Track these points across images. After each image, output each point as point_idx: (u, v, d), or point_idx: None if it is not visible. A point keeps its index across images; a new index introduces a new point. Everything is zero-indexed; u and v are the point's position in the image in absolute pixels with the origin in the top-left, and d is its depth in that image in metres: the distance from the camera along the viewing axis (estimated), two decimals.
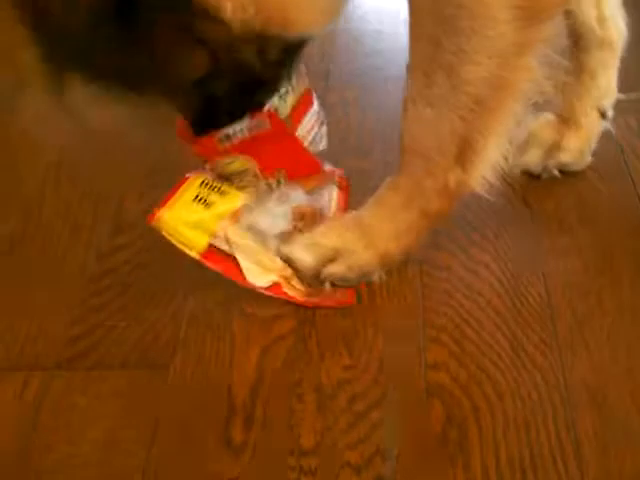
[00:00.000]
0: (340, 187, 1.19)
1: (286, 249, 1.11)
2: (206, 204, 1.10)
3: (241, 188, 1.13)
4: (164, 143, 1.20)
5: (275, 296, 1.12)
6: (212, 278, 1.13)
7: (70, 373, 1.06)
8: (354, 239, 1.12)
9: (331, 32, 1.67)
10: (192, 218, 1.10)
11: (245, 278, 1.11)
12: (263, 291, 1.11)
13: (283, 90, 1.13)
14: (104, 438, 0.98)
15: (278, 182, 1.16)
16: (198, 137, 1.11)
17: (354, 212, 1.15)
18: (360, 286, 1.14)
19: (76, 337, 1.10)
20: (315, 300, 1.12)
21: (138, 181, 1.33)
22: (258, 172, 1.14)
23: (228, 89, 1.04)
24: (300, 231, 1.13)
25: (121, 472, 0.95)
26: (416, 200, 1.10)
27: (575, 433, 0.96)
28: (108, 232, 1.25)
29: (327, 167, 1.20)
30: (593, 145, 1.31)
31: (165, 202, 1.11)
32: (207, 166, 1.15)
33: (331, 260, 1.12)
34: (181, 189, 1.12)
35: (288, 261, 1.11)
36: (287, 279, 1.11)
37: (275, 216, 1.14)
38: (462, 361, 1.04)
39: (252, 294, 1.12)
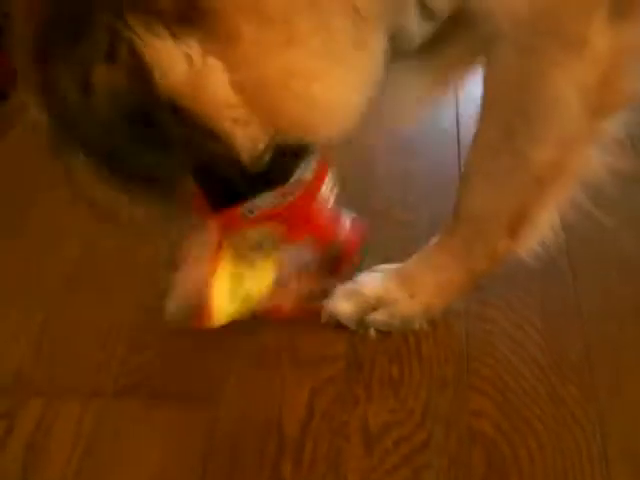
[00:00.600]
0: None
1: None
2: (238, 289, 1.09)
3: (267, 255, 1.10)
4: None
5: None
6: (264, 318, 1.18)
7: (126, 402, 1.09)
8: (397, 289, 1.16)
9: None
10: (230, 309, 1.09)
11: None
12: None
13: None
14: (156, 468, 1.01)
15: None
16: (219, 211, 1.04)
17: (398, 264, 1.19)
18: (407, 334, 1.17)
19: (133, 368, 1.13)
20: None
21: None
22: (283, 236, 1.09)
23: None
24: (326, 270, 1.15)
25: None
26: (464, 261, 1.13)
27: None
28: (167, 268, 1.26)
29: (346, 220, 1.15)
30: None
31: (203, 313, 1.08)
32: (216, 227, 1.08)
33: (373, 308, 1.16)
34: (214, 280, 1.08)
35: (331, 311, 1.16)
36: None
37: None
38: (504, 410, 1.07)
39: (302, 336, 1.16)
